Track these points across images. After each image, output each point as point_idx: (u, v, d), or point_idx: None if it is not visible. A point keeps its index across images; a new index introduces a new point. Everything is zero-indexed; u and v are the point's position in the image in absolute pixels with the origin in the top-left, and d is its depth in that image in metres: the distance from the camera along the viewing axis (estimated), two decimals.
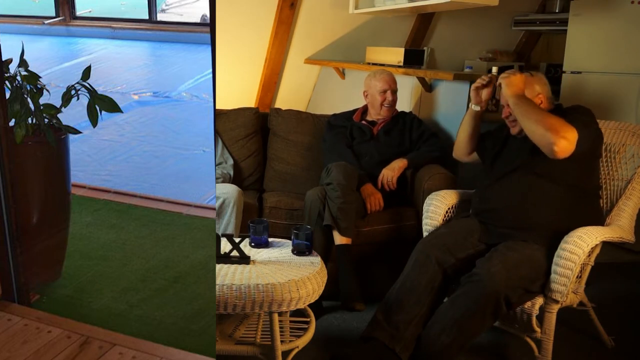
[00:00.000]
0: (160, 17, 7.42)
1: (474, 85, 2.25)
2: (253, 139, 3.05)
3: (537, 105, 2.01)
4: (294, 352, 1.85)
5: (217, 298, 1.68)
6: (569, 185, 1.97)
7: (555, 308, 1.88)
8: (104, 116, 2.22)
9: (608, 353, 2.16)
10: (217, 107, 3.17)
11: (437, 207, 2.26)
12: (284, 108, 3.14)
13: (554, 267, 1.85)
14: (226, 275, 1.76)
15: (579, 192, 1.99)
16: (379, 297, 2.07)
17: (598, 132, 2.03)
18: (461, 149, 2.38)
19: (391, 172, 2.58)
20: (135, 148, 4.12)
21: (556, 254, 1.86)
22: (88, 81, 2.20)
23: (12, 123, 2.10)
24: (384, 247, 2.55)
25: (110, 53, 6.74)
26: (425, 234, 2.25)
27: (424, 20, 4.05)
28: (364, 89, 2.86)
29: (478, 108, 2.26)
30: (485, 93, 2.23)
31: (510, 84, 2.02)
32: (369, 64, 3.49)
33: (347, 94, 3.73)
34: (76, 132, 2.23)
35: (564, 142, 1.84)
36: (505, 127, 2.21)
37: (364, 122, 2.85)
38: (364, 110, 2.91)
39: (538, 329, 1.90)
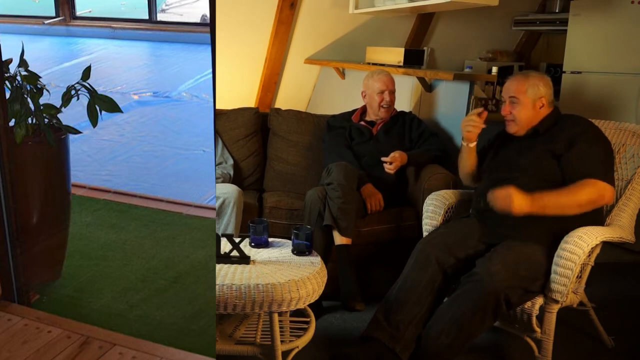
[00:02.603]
0: (160, 17, 7.39)
1: (468, 128, 2.17)
2: (253, 139, 3.05)
3: (551, 193, 1.88)
4: (294, 352, 1.85)
5: (217, 298, 1.68)
6: None
7: (555, 308, 1.88)
8: (104, 116, 2.22)
9: (608, 353, 2.16)
10: (217, 107, 3.17)
11: (437, 207, 2.26)
12: (284, 108, 3.14)
13: (554, 267, 1.85)
14: (226, 275, 1.76)
15: None
16: (379, 297, 2.07)
17: (611, 150, 2.04)
18: (468, 181, 2.37)
19: (399, 155, 2.58)
20: (135, 148, 4.11)
21: (556, 254, 1.86)
22: (88, 81, 2.20)
23: (12, 123, 2.10)
24: (384, 247, 2.55)
25: (110, 53, 6.72)
26: (425, 234, 2.25)
27: (424, 20, 4.05)
28: (362, 90, 2.86)
29: (473, 144, 2.23)
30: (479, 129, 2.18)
31: (516, 208, 1.85)
32: (369, 64, 3.48)
33: (347, 94, 3.73)
34: (76, 132, 2.23)
35: (609, 200, 1.94)
36: (502, 131, 2.20)
37: (362, 122, 2.85)
38: (363, 110, 2.91)
39: (538, 329, 1.90)
